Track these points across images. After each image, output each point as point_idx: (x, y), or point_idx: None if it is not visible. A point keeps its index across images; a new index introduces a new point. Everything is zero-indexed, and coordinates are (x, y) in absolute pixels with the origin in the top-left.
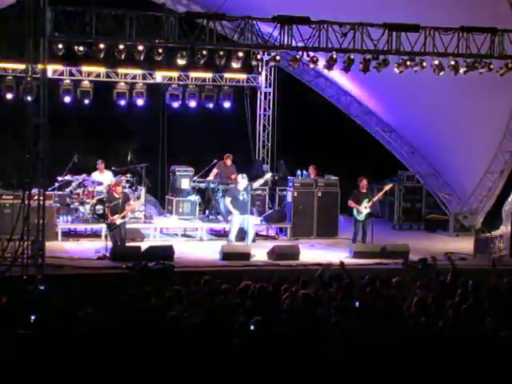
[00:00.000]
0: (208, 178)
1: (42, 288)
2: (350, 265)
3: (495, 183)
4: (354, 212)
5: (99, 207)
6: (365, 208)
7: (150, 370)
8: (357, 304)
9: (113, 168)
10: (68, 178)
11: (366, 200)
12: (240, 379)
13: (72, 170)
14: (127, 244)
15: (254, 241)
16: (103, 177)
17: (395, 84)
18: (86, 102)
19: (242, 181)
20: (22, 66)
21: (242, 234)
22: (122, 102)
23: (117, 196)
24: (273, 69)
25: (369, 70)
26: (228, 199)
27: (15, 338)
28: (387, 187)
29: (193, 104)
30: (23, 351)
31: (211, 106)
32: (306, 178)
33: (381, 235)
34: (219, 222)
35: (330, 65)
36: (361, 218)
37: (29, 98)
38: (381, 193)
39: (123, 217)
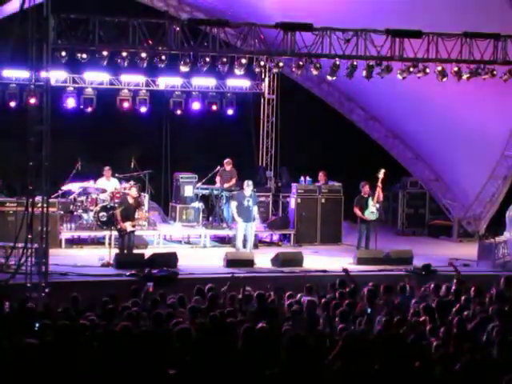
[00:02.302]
0: (215, 186)
1: (46, 296)
2: (353, 271)
3: (498, 189)
4: (366, 213)
5: (103, 214)
6: (373, 206)
7: (154, 377)
8: (369, 311)
9: (116, 175)
10: (71, 185)
11: (370, 199)
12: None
13: (75, 177)
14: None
15: (256, 247)
16: (109, 184)
17: (398, 90)
18: (89, 109)
19: (247, 188)
20: (25, 74)
21: (243, 241)
22: (126, 109)
23: (130, 201)
24: (276, 75)
25: (372, 76)
26: (234, 203)
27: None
28: (380, 174)
29: (196, 111)
30: (28, 358)
31: (214, 112)
32: (309, 185)
33: (384, 241)
34: (223, 229)
35: (333, 71)
36: (373, 217)
37: (32, 106)
38: (378, 183)
39: (134, 225)
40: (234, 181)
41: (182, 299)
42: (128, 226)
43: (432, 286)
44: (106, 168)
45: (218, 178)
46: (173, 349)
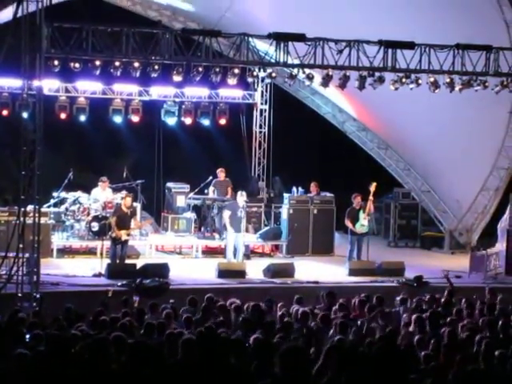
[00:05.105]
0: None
1: (37, 305)
2: (344, 282)
3: (490, 200)
4: (357, 226)
5: (94, 224)
6: (364, 219)
7: None
8: (359, 323)
9: (109, 185)
10: (63, 194)
11: (361, 211)
12: None
13: (67, 186)
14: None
15: (249, 258)
16: (103, 194)
17: (390, 101)
18: (82, 118)
19: (241, 198)
20: (17, 83)
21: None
22: (118, 119)
23: (125, 210)
24: (268, 86)
25: (364, 87)
26: (227, 213)
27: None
28: (372, 188)
29: (188, 121)
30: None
31: (207, 122)
32: (301, 195)
33: (376, 252)
34: (215, 239)
35: (325, 82)
36: (364, 229)
37: (24, 115)
38: (369, 196)
39: (129, 234)
40: (230, 190)
41: (174, 310)
42: (123, 234)
43: (424, 297)
44: (104, 178)
45: (211, 189)
46: (163, 360)
